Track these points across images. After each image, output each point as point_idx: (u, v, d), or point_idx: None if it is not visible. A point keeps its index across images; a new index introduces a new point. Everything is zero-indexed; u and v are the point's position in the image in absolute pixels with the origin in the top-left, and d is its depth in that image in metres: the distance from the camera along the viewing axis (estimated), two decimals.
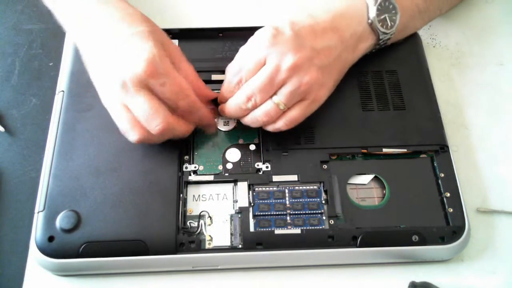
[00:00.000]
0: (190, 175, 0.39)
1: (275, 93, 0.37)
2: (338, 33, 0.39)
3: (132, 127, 0.35)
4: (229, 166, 0.40)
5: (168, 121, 0.35)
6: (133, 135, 0.36)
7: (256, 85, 0.36)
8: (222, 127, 0.42)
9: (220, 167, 0.40)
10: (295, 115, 0.38)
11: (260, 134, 0.41)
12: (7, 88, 0.46)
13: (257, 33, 0.38)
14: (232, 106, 0.38)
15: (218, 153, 0.40)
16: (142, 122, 0.35)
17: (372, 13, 0.40)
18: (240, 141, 0.41)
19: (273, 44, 0.36)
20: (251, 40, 0.38)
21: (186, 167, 0.39)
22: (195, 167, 0.39)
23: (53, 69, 0.47)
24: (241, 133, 0.42)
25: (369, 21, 0.40)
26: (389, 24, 0.41)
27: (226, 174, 0.39)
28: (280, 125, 0.38)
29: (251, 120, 0.38)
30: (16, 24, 0.50)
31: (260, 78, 0.36)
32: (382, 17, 0.41)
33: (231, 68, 0.39)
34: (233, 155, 0.40)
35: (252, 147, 0.41)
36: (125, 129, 0.36)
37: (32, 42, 0.49)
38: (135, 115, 0.35)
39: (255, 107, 0.37)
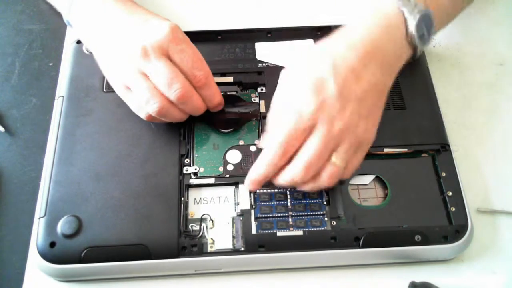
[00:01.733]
0: (191, 177, 0.39)
1: (330, 156, 0.35)
2: (381, 63, 0.36)
3: (152, 95, 0.36)
4: (230, 167, 0.40)
5: (187, 87, 0.36)
6: (153, 104, 0.36)
7: (311, 156, 0.34)
8: (223, 130, 0.42)
9: (221, 169, 0.40)
10: (354, 165, 0.36)
11: (260, 135, 0.41)
12: (7, 88, 0.46)
13: (296, 89, 0.35)
14: (287, 179, 0.35)
15: (218, 155, 0.40)
16: (162, 87, 0.36)
17: (412, 28, 0.37)
18: (241, 143, 0.41)
19: (319, 111, 0.34)
20: (290, 100, 0.35)
21: (187, 170, 0.39)
22: (195, 169, 0.39)
23: (53, 69, 0.47)
24: (242, 134, 0.42)
25: (408, 37, 0.37)
26: (427, 38, 0.38)
27: (227, 176, 0.39)
28: (345, 176, 0.36)
29: (312, 188, 0.35)
30: (16, 24, 0.50)
31: (314, 148, 0.34)
32: (421, 32, 0.37)
33: (274, 144, 0.35)
34: (234, 156, 0.40)
35: (253, 148, 0.41)
36: (145, 98, 0.36)
37: (32, 42, 0.49)
38: (154, 83, 0.36)
39: (312, 176, 0.35)
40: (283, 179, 0.35)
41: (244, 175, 0.39)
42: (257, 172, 0.36)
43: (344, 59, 0.35)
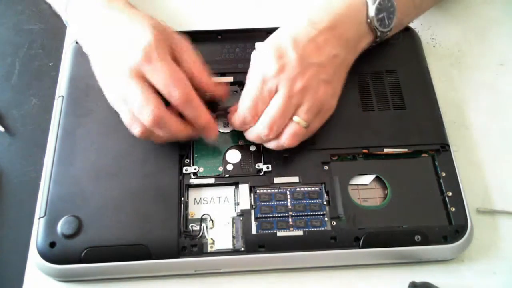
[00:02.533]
0: (191, 177, 0.39)
1: (293, 114, 0.37)
2: (341, 38, 0.39)
3: (148, 101, 0.35)
4: (230, 167, 0.40)
5: (159, 111, 0.35)
6: (134, 129, 0.36)
7: (273, 115, 0.37)
8: (222, 129, 0.42)
9: (221, 169, 0.40)
10: (315, 127, 0.39)
11: None
12: (7, 88, 0.46)
13: (260, 59, 0.38)
14: (253, 135, 0.38)
15: (218, 155, 0.40)
16: (136, 113, 0.35)
17: (372, 12, 0.40)
18: (240, 142, 0.41)
19: (280, 72, 0.37)
20: (256, 69, 0.38)
21: (186, 170, 0.39)
22: (195, 169, 0.39)
23: (53, 69, 0.47)
24: (241, 134, 0.41)
25: (368, 20, 0.41)
26: (387, 23, 0.41)
27: (227, 176, 0.39)
28: (305, 137, 0.39)
29: (276, 146, 0.38)
30: (16, 24, 0.50)
31: (276, 106, 0.37)
32: (381, 16, 0.41)
33: (243, 103, 0.38)
34: (233, 156, 0.40)
35: (253, 148, 0.41)
36: (126, 123, 0.37)
37: (32, 42, 0.49)
38: (156, 87, 0.35)
39: (276, 135, 0.37)
40: (250, 135, 0.39)
41: (244, 175, 0.39)
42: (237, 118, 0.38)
43: (304, 32, 0.38)
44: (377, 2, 0.40)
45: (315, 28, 0.39)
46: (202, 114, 0.37)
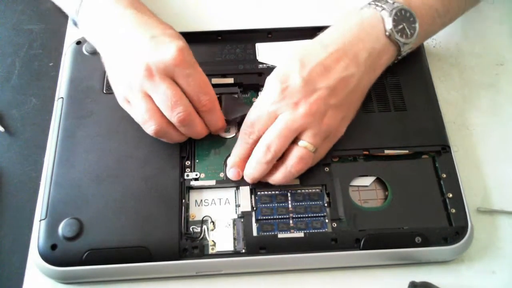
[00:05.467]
0: (192, 180, 0.39)
1: (298, 139, 0.36)
2: (355, 58, 0.38)
3: (150, 117, 0.36)
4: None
5: (190, 111, 0.36)
6: (150, 125, 0.36)
7: (271, 134, 0.36)
8: (223, 134, 0.41)
9: (222, 175, 0.39)
10: (323, 152, 0.38)
11: None
12: (7, 88, 0.46)
13: (266, 84, 0.38)
14: (253, 164, 0.37)
15: (219, 160, 0.40)
16: (165, 109, 0.35)
17: (389, 24, 0.39)
18: None
19: (282, 98, 0.36)
20: (262, 94, 0.38)
21: (188, 175, 0.39)
22: (196, 174, 0.39)
23: (53, 69, 0.47)
24: None
25: (387, 33, 0.39)
26: (409, 33, 0.39)
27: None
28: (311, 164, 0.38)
29: (284, 174, 0.37)
30: (16, 24, 0.50)
31: (274, 127, 0.36)
32: (400, 27, 0.39)
33: (243, 127, 0.38)
34: None
35: None
36: (143, 119, 0.36)
37: (32, 42, 0.49)
38: (156, 103, 0.35)
39: (275, 156, 0.36)
40: (249, 166, 0.37)
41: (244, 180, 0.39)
42: (230, 162, 0.38)
43: (313, 55, 0.37)
44: (393, 14, 0.39)
45: (326, 50, 0.38)
46: (220, 118, 0.39)
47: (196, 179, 0.39)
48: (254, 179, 0.38)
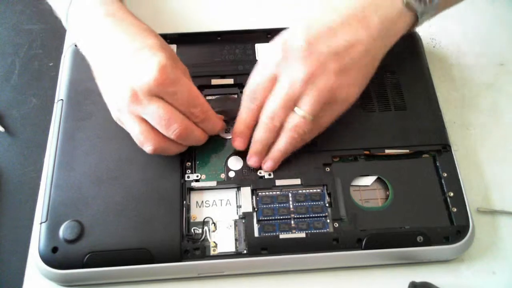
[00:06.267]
0: (193, 182, 0.39)
1: (295, 105, 0.36)
2: (366, 23, 0.36)
3: (146, 138, 0.35)
4: (232, 174, 0.39)
5: (186, 125, 0.35)
6: (147, 146, 0.35)
7: (275, 104, 0.35)
8: (224, 135, 0.41)
9: (223, 176, 0.39)
10: (324, 122, 0.37)
11: None
12: (7, 88, 0.46)
13: (269, 45, 0.37)
14: (257, 138, 0.37)
15: (220, 161, 0.40)
16: (160, 128, 0.35)
17: None
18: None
19: (282, 60, 0.35)
20: (261, 57, 0.37)
21: (189, 177, 0.39)
22: (197, 176, 0.39)
23: (53, 69, 0.47)
24: None
25: (405, 0, 0.36)
26: (428, 0, 0.37)
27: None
28: (313, 133, 0.38)
29: (285, 144, 0.36)
30: (16, 24, 0.50)
31: (276, 96, 0.35)
32: None
33: (246, 92, 0.37)
34: (235, 163, 0.40)
35: None
36: (139, 141, 0.36)
37: (32, 42, 0.49)
38: (151, 124, 0.35)
39: (279, 127, 0.36)
40: (254, 139, 0.37)
41: (246, 179, 0.39)
42: (236, 130, 0.38)
43: (323, 18, 0.36)
44: None
45: (335, 13, 0.36)
46: (217, 123, 0.38)
47: (196, 181, 0.39)
48: (259, 155, 0.38)
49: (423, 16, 0.38)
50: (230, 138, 0.41)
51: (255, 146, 0.38)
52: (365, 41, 0.36)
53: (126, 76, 0.34)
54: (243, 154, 0.40)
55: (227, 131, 0.41)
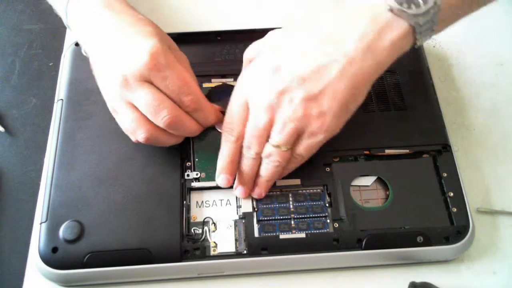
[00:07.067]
0: (193, 182, 0.39)
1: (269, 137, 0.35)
2: (339, 42, 0.33)
3: (138, 125, 0.34)
4: None
5: (176, 112, 0.34)
6: (140, 134, 0.35)
7: (248, 135, 0.35)
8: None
9: None
10: (303, 153, 0.35)
11: None
12: (7, 88, 0.46)
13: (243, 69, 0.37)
14: (241, 165, 0.37)
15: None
16: (149, 115, 0.34)
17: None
18: None
19: (251, 86, 0.35)
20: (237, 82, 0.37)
21: (188, 175, 0.39)
22: (196, 174, 0.39)
23: (53, 69, 0.47)
24: None
25: (389, 7, 0.32)
26: (420, 2, 0.32)
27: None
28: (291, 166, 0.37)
29: (266, 172, 0.36)
30: (16, 24, 0.50)
31: (249, 126, 0.35)
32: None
33: (224, 125, 0.37)
34: None
35: None
36: (131, 128, 0.35)
37: (32, 42, 0.49)
38: (141, 110, 0.34)
39: (257, 156, 0.35)
40: (239, 170, 0.37)
41: None
42: (218, 167, 0.37)
43: (292, 38, 0.34)
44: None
45: (308, 34, 0.34)
46: (211, 114, 0.37)
47: (196, 179, 0.39)
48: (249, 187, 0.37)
49: (420, 20, 0.32)
50: None
51: (239, 177, 0.37)
52: (340, 62, 0.32)
53: (118, 62, 0.34)
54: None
55: None
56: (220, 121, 0.38)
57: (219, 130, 0.39)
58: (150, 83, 0.34)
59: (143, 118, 0.35)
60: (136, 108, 0.35)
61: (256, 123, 0.34)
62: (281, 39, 0.35)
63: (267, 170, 0.36)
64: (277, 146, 0.34)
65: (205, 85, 0.42)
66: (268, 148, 0.35)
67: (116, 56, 0.34)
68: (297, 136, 0.34)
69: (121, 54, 0.34)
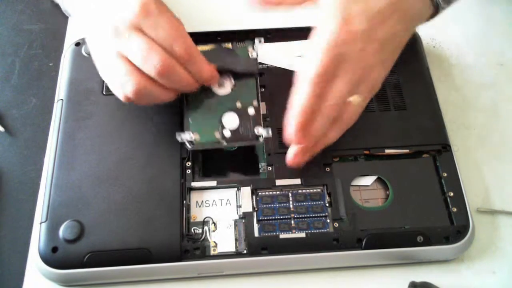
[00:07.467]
0: (188, 146, 0.38)
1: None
2: (403, 17, 0.36)
3: (129, 77, 0.33)
4: (227, 133, 0.37)
5: (168, 60, 0.33)
6: (130, 86, 0.34)
7: (336, 91, 0.34)
8: (218, 91, 0.39)
9: (217, 134, 0.37)
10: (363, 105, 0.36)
11: (258, 94, 0.39)
12: (7, 88, 0.46)
13: (326, 19, 0.35)
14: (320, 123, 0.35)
15: (214, 120, 0.38)
16: (140, 63, 0.33)
17: None
18: (238, 105, 0.38)
19: (343, 43, 0.34)
20: (321, 32, 0.35)
21: (181, 139, 0.37)
22: (190, 136, 0.37)
23: (53, 69, 0.47)
24: (238, 95, 0.38)
25: None
26: None
27: (225, 144, 0.37)
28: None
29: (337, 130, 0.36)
30: (16, 24, 0.50)
31: (339, 82, 0.34)
32: None
33: (312, 75, 0.34)
34: (231, 121, 0.38)
35: (251, 111, 0.38)
36: (121, 82, 0.34)
37: (32, 42, 0.49)
38: (132, 60, 0.33)
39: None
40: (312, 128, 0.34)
41: (246, 178, 0.39)
42: (295, 122, 0.34)
43: (371, 6, 0.35)
44: None
45: (384, 1, 0.35)
46: (205, 67, 0.36)
47: (191, 142, 0.37)
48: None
49: (441, 8, 0.38)
50: (224, 95, 0.39)
51: (309, 137, 0.35)
52: (400, 33, 0.36)
53: (109, 13, 0.34)
54: (238, 111, 0.38)
55: (221, 84, 0.39)
56: (216, 79, 0.37)
57: (215, 91, 0.38)
58: (141, 32, 0.33)
59: (135, 69, 0.34)
60: (128, 60, 0.34)
61: (352, 83, 0.34)
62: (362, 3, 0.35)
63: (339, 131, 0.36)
64: (354, 102, 0.35)
65: (200, 48, 0.39)
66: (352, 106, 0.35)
67: (107, 8, 0.34)
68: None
69: (111, 5, 0.34)
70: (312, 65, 0.34)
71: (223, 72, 0.39)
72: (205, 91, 0.38)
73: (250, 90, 0.39)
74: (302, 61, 0.35)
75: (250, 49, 0.40)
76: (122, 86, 0.35)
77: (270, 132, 0.37)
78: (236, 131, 0.38)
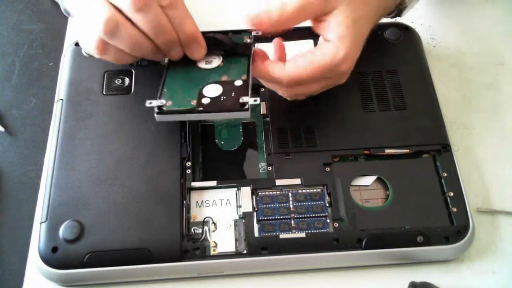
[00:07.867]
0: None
1: None
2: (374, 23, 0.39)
3: (97, 8, 0.32)
4: (206, 100, 0.34)
5: (112, 15, 0.31)
6: (99, 18, 0.32)
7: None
8: (204, 65, 0.37)
9: (194, 102, 0.34)
10: None
11: (250, 73, 0.36)
12: (7, 88, 0.46)
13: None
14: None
15: (194, 90, 0.35)
16: (90, 20, 0.32)
17: None
18: (224, 78, 0.35)
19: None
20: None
21: (151, 103, 0.34)
22: (161, 102, 0.34)
23: (53, 69, 0.47)
24: (227, 70, 0.36)
25: None
26: None
27: (200, 109, 0.34)
28: None
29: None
30: (16, 24, 0.50)
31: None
32: None
33: (329, 66, 0.36)
34: (213, 90, 0.35)
35: (238, 82, 0.35)
36: (91, 16, 0.32)
37: (32, 42, 0.49)
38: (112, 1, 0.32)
39: None
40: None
41: (246, 179, 0.39)
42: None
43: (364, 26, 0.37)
44: None
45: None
46: (188, 19, 0.34)
47: (160, 108, 0.34)
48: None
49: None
50: (208, 69, 0.37)
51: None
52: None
53: None
54: (223, 83, 0.35)
55: (208, 61, 0.37)
56: (200, 45, 0.34)
57: (201, 66, 0.36)
58: None
59: (109, 3, 0.32)
60: (112, 5, 0.32)
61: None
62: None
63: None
64: None
65: None
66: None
67: None
68: None
69: None
70: (297, 72, 0.36)
71: (212, 51, 0.36)
72: (190, 64, 0.35)
73: (241, 66, 0.36)
74: (293, 63, 0.36)
75: (246, 37, 0.39)
76: (95, 20, 0.32)
77: (258, 100, 0.33)
78: (216, 98, 0.33)
